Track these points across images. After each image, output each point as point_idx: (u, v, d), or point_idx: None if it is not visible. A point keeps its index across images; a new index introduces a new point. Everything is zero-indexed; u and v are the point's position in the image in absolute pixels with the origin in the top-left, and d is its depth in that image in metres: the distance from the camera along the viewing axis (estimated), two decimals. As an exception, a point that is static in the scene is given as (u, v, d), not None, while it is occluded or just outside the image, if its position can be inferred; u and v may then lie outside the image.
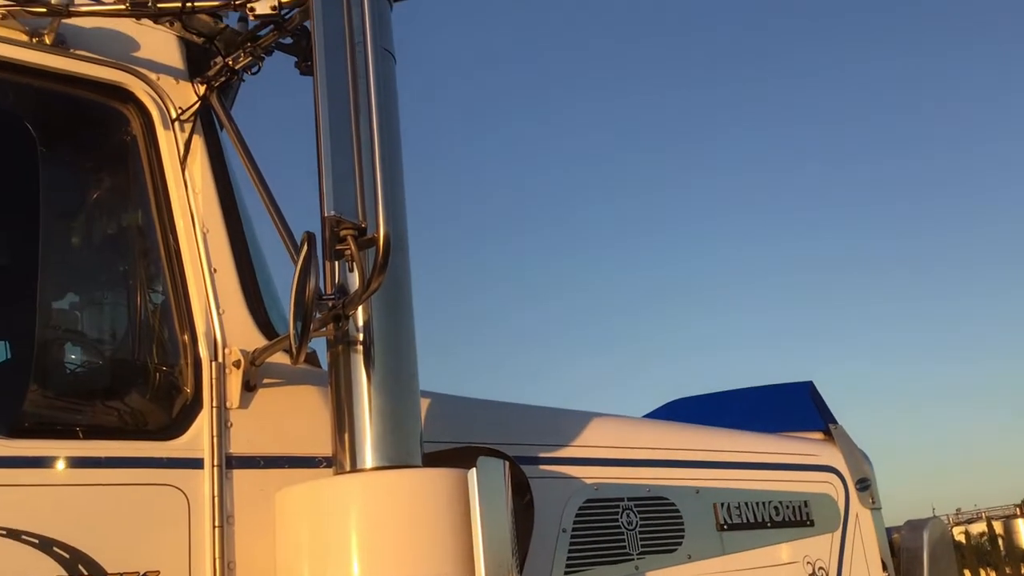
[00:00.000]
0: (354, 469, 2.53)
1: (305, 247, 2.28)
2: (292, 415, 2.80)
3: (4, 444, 2.37)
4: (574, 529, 3.30)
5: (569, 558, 3.26)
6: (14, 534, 2.30)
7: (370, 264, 2.35)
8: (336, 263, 2.57)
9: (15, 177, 2.80)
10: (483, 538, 2.40)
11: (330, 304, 2.48)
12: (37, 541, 2.32)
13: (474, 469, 2.47)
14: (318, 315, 2.43)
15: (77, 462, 2.45)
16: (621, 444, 3.65)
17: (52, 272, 2.77)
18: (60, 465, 2.43)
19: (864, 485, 4.54)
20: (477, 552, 2.40)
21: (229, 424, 2.65)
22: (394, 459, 2.54)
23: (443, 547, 2.40)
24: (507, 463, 2.63)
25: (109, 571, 2.38)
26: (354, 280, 2.49)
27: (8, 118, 2.79)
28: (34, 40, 2.66)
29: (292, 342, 2.32)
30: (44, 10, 2.62)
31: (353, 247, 2.33)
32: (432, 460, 2.71)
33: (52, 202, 2.74)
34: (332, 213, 2.27)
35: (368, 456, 2.53)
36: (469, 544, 2.41)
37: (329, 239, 2.33)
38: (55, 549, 2.33)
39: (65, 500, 2.41)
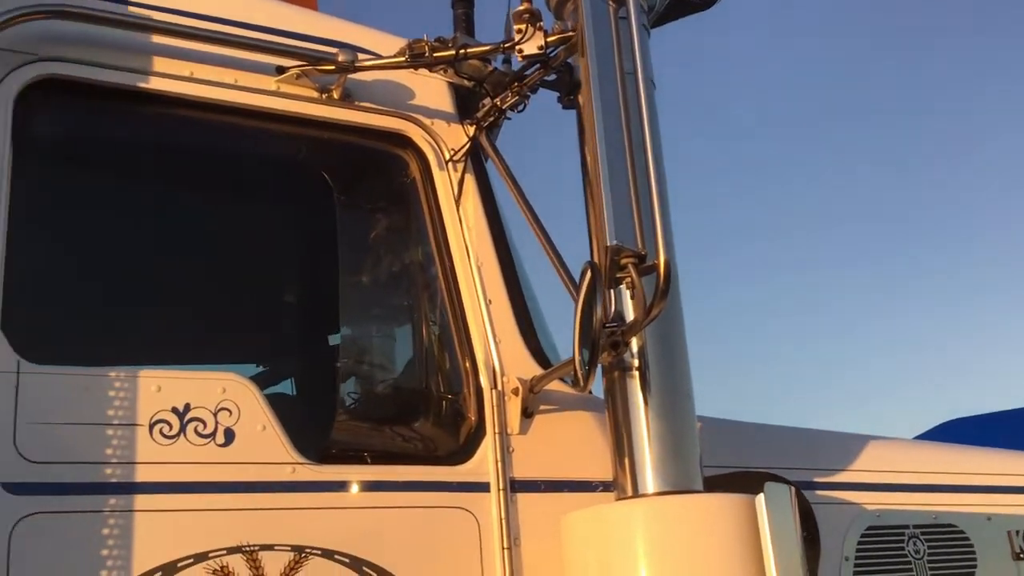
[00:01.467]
0: (636, 494, 2.55)
1: (588, 276, 2.34)
2: (568, 440, 2.86)
3: (315, 469, 2.57)
4: (857, 557, 3.17)
5: None
6: (328, 554, 2.48)
7: (648, 291, 2.38)
8: (611, 291, 2.61)
9: (318, 223, 3.05)
10: (776, 567, 2.34)
11: (609, 332, 2.52)
12: (348, 560, 2.49)
13: (762, 495, 2.43)
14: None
15: (377, 486, 2.62)
16: (901, 468, 3.48)
17: (350, 308, 2.99)
18: (362, 489, 2.60)
19: None
20: (769, 580, 2.35)
21: (511, 449, 2.75)
22: (676, 484, 2.54)
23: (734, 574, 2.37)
24: (793, 488, 2.57)
25: None
26: (630, 307, 2.53)
27: (308, 169, 3.05)
28: (324, 96, 2.89)
29: (578, 369, 2.38)
30: (333, 67, 2.83)
31: (634, 274, 2.36)
32: (711, 485, 2.69)
33: (348, 244, 2.97)
34: (614, 243, 2.32)
35: (650, 481, 2.54)
36: (760, 572, 2.37)
37: (610, 267, 2.38)
38: (364, 569, 2.50)
39: (369, 522, 2.58)
